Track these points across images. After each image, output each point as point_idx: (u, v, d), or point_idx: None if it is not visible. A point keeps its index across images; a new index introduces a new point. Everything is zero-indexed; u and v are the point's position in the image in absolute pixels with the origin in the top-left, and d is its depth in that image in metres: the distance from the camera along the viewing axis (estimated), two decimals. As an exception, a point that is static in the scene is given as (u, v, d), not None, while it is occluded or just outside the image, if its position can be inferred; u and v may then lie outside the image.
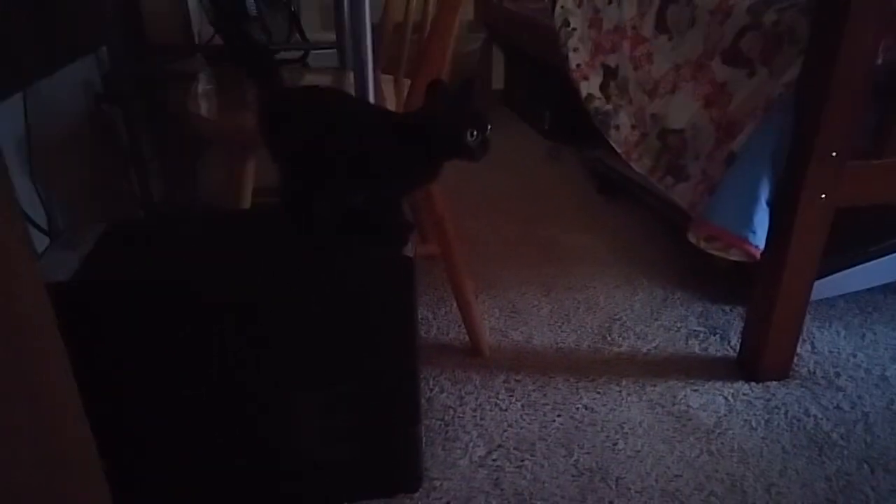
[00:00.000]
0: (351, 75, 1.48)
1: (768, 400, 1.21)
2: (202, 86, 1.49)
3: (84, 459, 0.60)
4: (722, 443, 1.12)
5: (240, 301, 0.85)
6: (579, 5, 2.07)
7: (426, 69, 1.15)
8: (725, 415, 1.18)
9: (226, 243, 0.93)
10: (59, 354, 0.56)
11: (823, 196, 1.10)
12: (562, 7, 2.15)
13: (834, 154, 1.08)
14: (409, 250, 0.90)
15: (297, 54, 2.16)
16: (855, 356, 1.33)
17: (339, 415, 0.94)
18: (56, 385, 0.56)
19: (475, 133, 0.83)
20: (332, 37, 2.00)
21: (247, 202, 1.26)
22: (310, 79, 1.61)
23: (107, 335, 0.83)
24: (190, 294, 0.84)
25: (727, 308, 1.50)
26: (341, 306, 0.88)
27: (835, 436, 1.13)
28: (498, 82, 3.17)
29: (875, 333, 1.41)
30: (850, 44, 1.01)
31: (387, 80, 1.49)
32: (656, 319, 1.46)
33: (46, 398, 0.55)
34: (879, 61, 1.06)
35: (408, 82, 1.42)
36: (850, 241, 1.43)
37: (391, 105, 1.34)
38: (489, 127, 0.84)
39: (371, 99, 1.05)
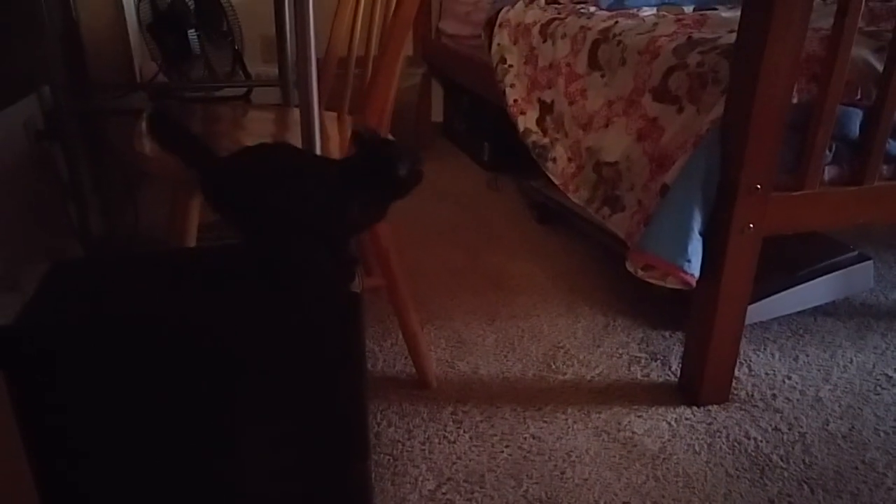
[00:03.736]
0: (294, 112, 1.44)
1: (710, 424, 1.20)
2: (145, 125, 1.42)
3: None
4: (667, 468, 1.10)
5: (189, 339, 0.81)
6: (515, 43, 2.09)
7: (372, 105, 1.12)
8: (669, 440, 1.17)
9: (172, 282, 0.89)
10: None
11: (751, 226, 1.12)
12: (498, 44, 2.17)
13: (758, 187, 1.10)
14: (356, 286, 0.87)
15: (240, 91, 2.10)
16: (790, 378, 1.34)
17: (288, 451, 0.90)
18: None
19: (405, 164, 0.85)
20: (273, 69, 1.95)
21: (192, 240, 1.19)
22: (253, 115, 1.56)
23: (51, 377, 0.78)
24: (138, 333, 0.80)
25: (667, 334, 1.50)
26: (289, 342, 0.84)
27: (775, 457, 1.13)
28: (437, 115, 3.18)
29: (808, 355, 1.42)
30: (765, 86, 1.04)
31: (330, 117, 1.45)
32: (599, 346, 1.45)
33: None
34: (794, 101, 1.08)
35: (351, 120, 1.39)
36: (781, 267, 1.46)
37: (334, 143, 1.30)
38: (418, 158, 0.87)
39: (316, 137, 1.01)
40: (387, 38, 1.09)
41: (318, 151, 1.02)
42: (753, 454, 1.13)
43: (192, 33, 1.72)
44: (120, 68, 2.30)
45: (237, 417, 0.87)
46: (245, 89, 2.10)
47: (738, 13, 1.09)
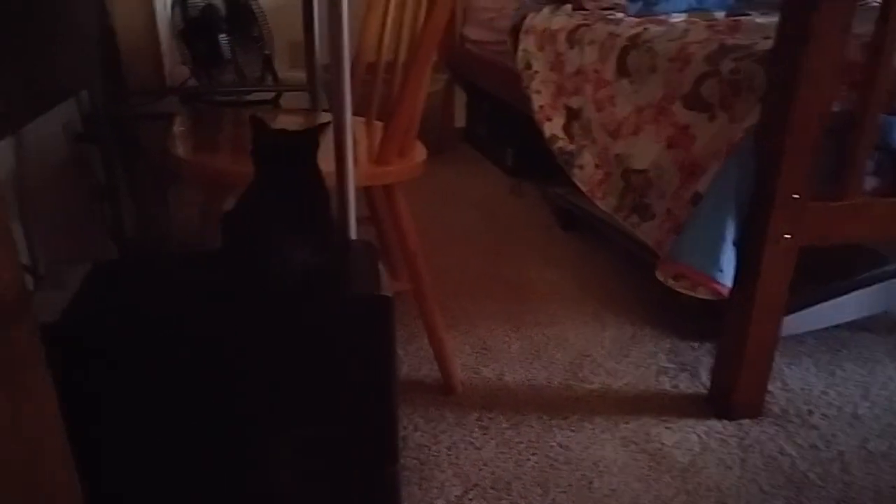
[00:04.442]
0: (323, 116, 1.41)
1: (742, 438, 1.16)
2: (178, 127, 1.42)
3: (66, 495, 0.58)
4: (698, 482, 1.06)
5: (222, 340, 0.81)
6: (541, 49, 2.06)
7: (401, 112, 1.10)
8: (700, 453, 1.12)
9: (206, 283, 0.88)
10: (49, 396, 0.55)
11: (788, 236, 1.07)
12: (524, 50, 2.13)
13: (795, 196, 1.06)
14: (387, 289, 0.85)
15: (269, 95, 2.09)
16: (826, 394, 1.29)
17: (318, 455, 0.89)
18: (45, 427, 0.55)
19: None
20: (299, 74, 1.93)
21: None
22: (283, 120, 1.55)
23: (92, 373, 0.79)
24: (174, 332, 0.81)
25: (695, 344, 1.45)
26: (321, 345, 0.84)
27: (812, 476, 1.08)
28: (460, 120, 3.15)
29: (845, 371, 1.36)
30: (805, 93, 1.00)
31: (358, 122, 1.43)
32: (626, 356, 1.41)
33: (36, 438, 0.54)
34: (836, 109, 1.04)
35: (379, 125, 1.36)
36: (816, 279, 1.40)
37: (362, 147, 1.28)
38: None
39: (348, 142, 0.99)
40: (417, 45, 1.07)
41: (350, 155, 0.99)
42: (789, 472, 1.09)
43: (223, 38, 1.71)
44: (151, 73, 2.30)
45: (269, 418, 0.86)
46: (274, 94, 2.09)
47: (773, 19, 1.05)
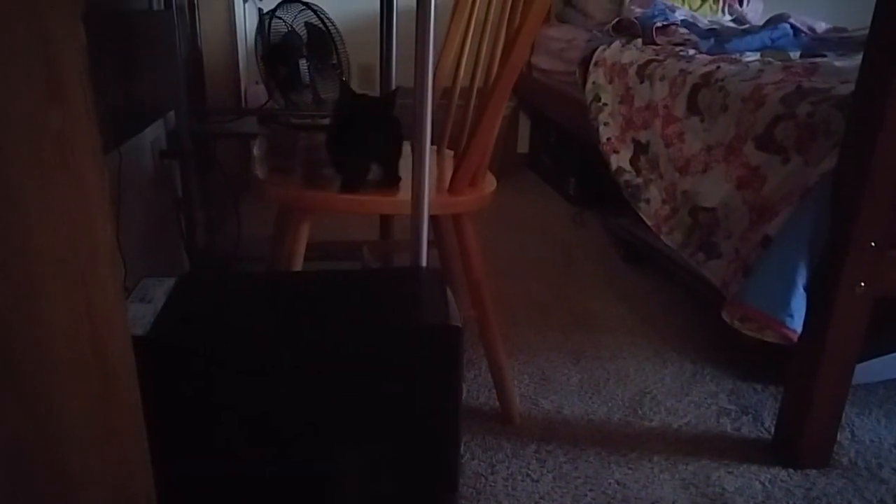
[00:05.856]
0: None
1: (808, 489, 1.13)
2: (258, 149, 1.48)
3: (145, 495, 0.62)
4: (761, 531, 1.05)
5: (296, 360, 0.85)
6: (610, 82, 2.07)
7: (476, 144, 1.13)
8: (763, 502, 1.10)
9: (283, 304, 0.93)
10: (136, 406, 0.58)
11: (863, 284, 1.05)
12: (593, 82, 2.15)
13: (873, 244, 1.04)
14: (456, 319, 0.87)
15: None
16: (897, 448, 1.26)
17: (380, 478, 0.91)
18: (131, 434, 0.58)
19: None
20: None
21: (299, 264, 1.22)
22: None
23: (171, 386, 0.83)
24: (255, 349, 0.84)
25: (758, 387, 1.42)
26: (390, 370, 0.86)
27: (881, 533, 1.05)
28: (523, 147, 3.18)
29: (916, 424, 1.32)
30: (886, 139, 0.98)
31: (430, 150, 1.46)
32: (686, 395, 1.39)
33: (125, 447, 0.57)
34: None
35: (450, 153, 1.40)
36: (890, 326, 1.37)
37: (432, 174, 1.31)
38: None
39: (426, 173, 1.02)
40: (495, 82, 1.09)
41: (426, 185, 1.03)
42: (858, 527, 1.06)
43: (303, 63, 1.78)
44: (229, 93, 2.42)
45: (336, 436, 0.88)
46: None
47: (852, 62, 1.05)
